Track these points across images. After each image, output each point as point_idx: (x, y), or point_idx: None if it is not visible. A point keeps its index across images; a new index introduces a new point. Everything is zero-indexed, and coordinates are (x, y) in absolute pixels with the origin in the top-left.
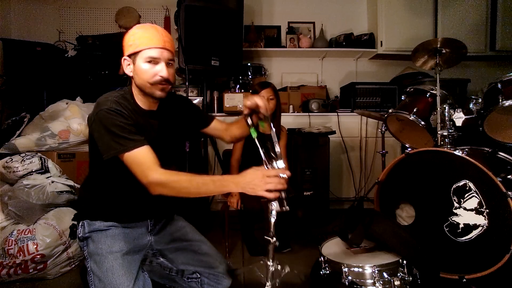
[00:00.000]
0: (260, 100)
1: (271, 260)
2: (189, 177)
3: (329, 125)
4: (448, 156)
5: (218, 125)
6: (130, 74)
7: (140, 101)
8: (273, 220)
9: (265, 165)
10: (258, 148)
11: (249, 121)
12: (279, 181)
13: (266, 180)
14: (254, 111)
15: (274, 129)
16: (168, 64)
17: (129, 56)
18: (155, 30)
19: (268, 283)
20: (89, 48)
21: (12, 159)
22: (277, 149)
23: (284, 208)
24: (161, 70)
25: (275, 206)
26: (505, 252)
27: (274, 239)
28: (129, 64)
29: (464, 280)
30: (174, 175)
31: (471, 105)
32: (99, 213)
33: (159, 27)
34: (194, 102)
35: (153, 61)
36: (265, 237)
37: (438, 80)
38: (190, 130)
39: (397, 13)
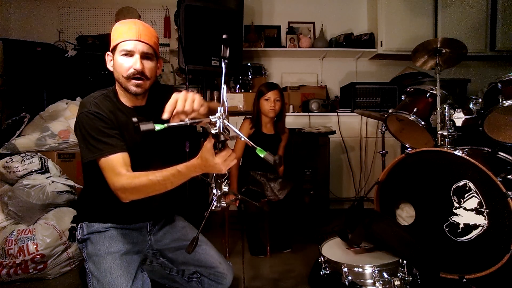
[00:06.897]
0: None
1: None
2: (150, 177)
3: (329, 125)
4: (448, 156)
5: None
6: (111, 69)
7: (124, 97)
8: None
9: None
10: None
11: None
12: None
13: (225, 163)
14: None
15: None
16: (144, 57)
17: (111, 51)
18: (132, 23)
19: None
20: (89, 48)
21: (12, 159)
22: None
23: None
24: (135, 63)
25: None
26: (505, 252)
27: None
28: (111, 60)
29: (464, 280)
30: (136, 178)
31: (471, 105)
32: (97, 215)
33: (139, 21)
34: None
35: (128, 54)
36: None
37: (438, 80)
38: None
39: (397, 13)
